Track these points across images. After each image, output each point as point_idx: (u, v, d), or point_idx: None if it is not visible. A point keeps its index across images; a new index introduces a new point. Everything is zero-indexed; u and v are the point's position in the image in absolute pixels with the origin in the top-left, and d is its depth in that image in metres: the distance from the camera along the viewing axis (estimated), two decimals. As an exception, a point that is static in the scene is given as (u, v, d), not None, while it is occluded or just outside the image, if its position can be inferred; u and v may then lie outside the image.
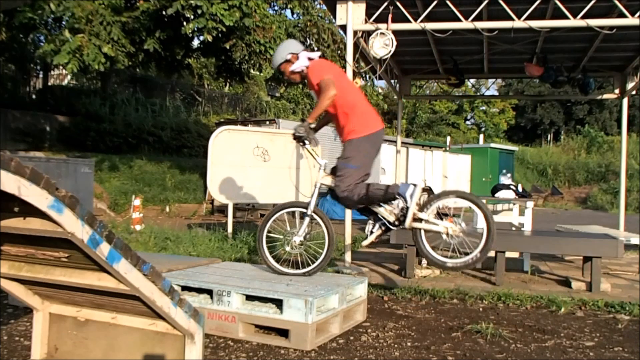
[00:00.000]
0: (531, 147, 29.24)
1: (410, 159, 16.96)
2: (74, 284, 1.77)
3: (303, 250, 3.62)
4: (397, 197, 3.43)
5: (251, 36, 10.50)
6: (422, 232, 3.47)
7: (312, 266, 3.60)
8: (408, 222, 3.40)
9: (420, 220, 3.43)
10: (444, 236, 3.41)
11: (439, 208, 3.47)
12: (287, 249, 3.63)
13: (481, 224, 3.40)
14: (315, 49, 11.94)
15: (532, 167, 25.47)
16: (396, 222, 3.48)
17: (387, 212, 3.50)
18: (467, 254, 3.36)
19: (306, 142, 3.55)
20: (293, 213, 3.88)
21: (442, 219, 3.44)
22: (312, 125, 3.62)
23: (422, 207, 3.45)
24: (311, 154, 3.65)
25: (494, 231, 3.35)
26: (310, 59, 3.64)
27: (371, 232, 3.59)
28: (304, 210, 3.61)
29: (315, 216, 3.60)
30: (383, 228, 3.56)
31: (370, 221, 3.61)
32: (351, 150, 3.46)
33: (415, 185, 3.44)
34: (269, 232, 3.70)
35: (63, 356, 2.13)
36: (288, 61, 3.65)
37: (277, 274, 3.60)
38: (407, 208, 3.40)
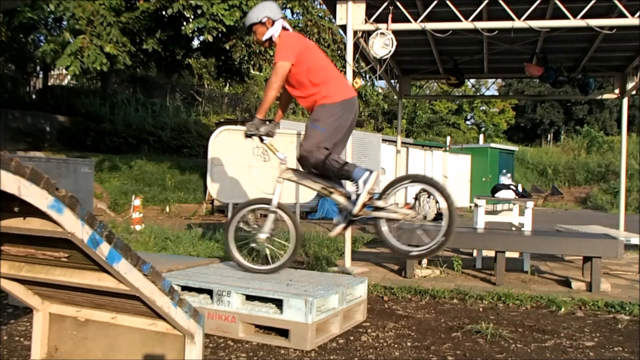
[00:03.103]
0: (531, 147, 29.24)
1: (410, 159, 16.97)
2: (74, 284, 1.77)
3: (270, 245, 3.60)
4: (352, 179, 3.37)
5: (251, 37, 10.49)
6: (383, 221, 3.44)
7: (278, 263, 3.60)
8: (357, 209, 3.33)
9: (379, 208, 3.39)
10: (403, 222, 3.39)
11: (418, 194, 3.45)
12: (254, 245, 3.61)
13: (442, 206, 3.28)
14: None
15: (532, 167, 25.47)
16: (352, 209, 3.40)
17: (343, 199, 3.45)
18: (431, 240, 3.32)
19: (263, 138, 3.54)
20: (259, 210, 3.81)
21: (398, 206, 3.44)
22: (270, 119, 3.66)
23: (380, 196, 3.41)
24: (270, 149, 3.61)
25: (456, 214, 3.25)
26: (285, 28, 3.57)
27: (337, 224, 3.57)
28: (268, 206, 3.57)
29: (279, 212, 3.56)
30: (346, 220, 3.52)
31: (337, 214, 3.59)
32: (322, 113, 3.40)
33: (371, 172, 3.35)
34: (237, 230, 3.66)
35: (63, 356, 2.13)
36: (262, 24, 3.56)
37: (247, 271, 3.59)
38: (358, 196, 3.33)
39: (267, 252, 3.65)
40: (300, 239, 3.57)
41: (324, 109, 3.41)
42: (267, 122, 3.64)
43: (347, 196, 3.45)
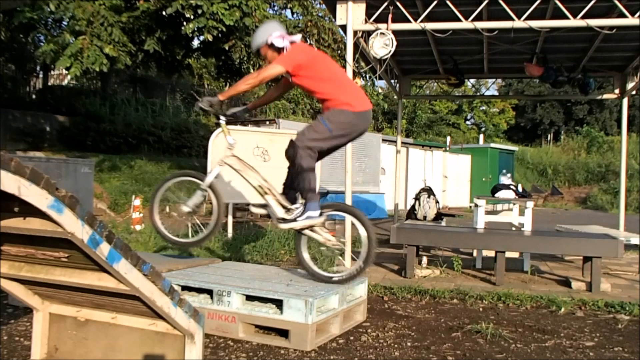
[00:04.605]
0: (531, 147, 29.23)
1: (410, 159, 16.96)
2: (74, 284, 1.77)
3: (187, 220, 3.61)
4: (304, 203, 3.39)
5: (250, 37, 10.49)
6: (304, 247, 3.50)
7: (195, 238, 3.70)
8: (285, 227, 3.42)
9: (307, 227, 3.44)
10: (323, 247, 3.42)
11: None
12: (173, 214, 3.64)
13: (362, 234, 3.34)
14: (315, 49, 11.95)
15: (532, 167, 25.47)
16: (280, 219, 3.46)
17: (276, 204, 3.47)
18: (350, 266, 3.37)
19: (221, 117, 3.54)
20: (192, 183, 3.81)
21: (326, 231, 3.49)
22: (244, 102, 3.64)
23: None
24: (223, 130, 3.58)
25: (375, 241, 3.33)
26: (292, 42, 3.53)
27: (260, 209, 3.67)
28: (200, 182, 3.56)
29: (209, 191, 3.55)
30: (268, 215, 3.59)
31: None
32: (337, 116, 3.35)
33: (321, 215, 3.39)
34: (163, 198, 3.71)
35: (63, 356, 2.13)
36: (269, 46, 3.51)
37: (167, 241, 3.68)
38: (295, 220, 3.38)
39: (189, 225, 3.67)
40: (221, 221, 3.57)
41: (341, 114, 3.36)
42: (242, 105, 3.63)
43: (283, 206, 3.47)
